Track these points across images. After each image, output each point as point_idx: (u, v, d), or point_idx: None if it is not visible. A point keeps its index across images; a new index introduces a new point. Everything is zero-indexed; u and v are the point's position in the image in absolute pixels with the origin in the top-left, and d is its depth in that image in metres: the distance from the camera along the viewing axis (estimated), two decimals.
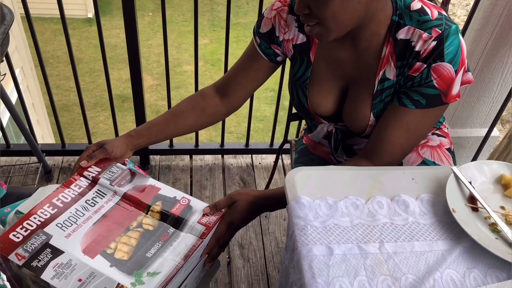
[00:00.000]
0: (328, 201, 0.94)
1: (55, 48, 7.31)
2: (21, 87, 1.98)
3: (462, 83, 1.01)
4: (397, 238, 0.89)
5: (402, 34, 0.98)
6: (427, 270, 0.84)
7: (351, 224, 0.90)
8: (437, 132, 1.30)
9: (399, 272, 0.83)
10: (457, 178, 0.99)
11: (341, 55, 1.08)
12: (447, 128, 1.34)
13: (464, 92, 1.90)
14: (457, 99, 1.01)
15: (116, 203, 1.01)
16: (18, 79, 1.90)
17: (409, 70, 0.99)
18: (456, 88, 0.99)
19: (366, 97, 1.07)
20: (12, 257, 0.88)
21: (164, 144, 2.13)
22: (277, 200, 1.07)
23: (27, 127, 1.88)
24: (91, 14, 8.22)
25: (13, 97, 2.41)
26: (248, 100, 1.70)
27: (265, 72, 1.18)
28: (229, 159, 2.23)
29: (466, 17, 1.73)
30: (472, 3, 1.68)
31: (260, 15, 1.15)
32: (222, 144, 2.17)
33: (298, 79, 1.15)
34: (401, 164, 1.22)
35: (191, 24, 1.96)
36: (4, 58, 1.45)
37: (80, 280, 0.85)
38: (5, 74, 1.40)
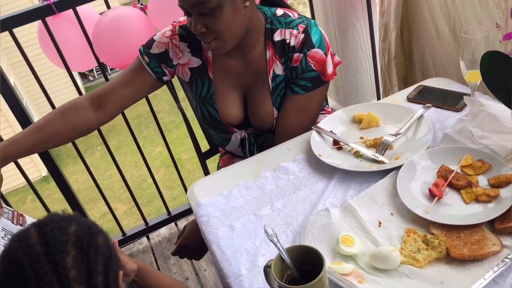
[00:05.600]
0: (223, 193, 1.09)
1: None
2: None
3: (335, 65, 1.25)
4: (283, 195, 1.05)
5: (277, 37, 1.21)
6: (312, 207, 1.00)
7: (245, 202, 1.05)
8: (321, 112, 1.50)
9: (290, 218, 0.98)
10: (319, 132, 1.18)
11: (234, 67, 1.27)
12: (331, 109, 1.55)
13: (341, 76, 2.15)
14: (334, 76, 1.25)
15: None
16: None
17: (291, 63, 1.21)
18: (330, 68, 1.22)
19: (266, 96, 1.27)
20: None
21: (118, 236, 2.23)
22: None
23: None
24: (44, 172, 8.07)
25: None
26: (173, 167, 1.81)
27: (148, 87, 1.32)
28: (183, 223, 2.33)
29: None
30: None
31: (150, 39, 1.30)
32: (168, 212, 2.29)
33: (204, 97, 1.32)
34: None
35: (137, 140, 2.19)
36: None
37: None
38: None
